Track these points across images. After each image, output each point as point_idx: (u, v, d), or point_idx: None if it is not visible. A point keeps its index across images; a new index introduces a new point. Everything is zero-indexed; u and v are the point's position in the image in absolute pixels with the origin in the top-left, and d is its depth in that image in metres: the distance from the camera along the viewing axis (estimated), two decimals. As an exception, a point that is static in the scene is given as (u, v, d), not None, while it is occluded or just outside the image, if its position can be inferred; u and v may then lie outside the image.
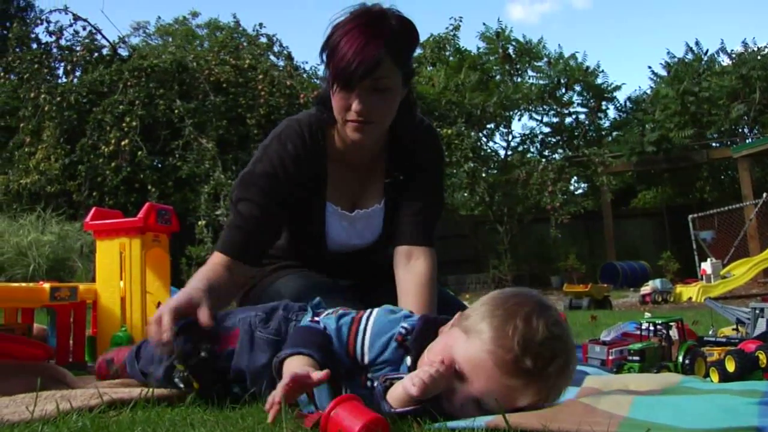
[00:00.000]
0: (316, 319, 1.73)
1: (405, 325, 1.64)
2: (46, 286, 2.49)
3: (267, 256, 2.34)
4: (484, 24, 17.55)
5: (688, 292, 9.16)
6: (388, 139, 2.37)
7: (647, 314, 3.41)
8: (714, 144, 17.41)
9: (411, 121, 2.40)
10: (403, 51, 2.18)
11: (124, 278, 2.73)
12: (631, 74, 59.66)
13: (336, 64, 2.10)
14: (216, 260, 2.19)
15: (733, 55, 17.35)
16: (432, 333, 1.63)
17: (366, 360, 1.62)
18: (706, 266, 10.14)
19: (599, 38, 56.61)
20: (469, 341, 1.51)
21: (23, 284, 2.82)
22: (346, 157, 2.34)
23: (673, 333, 2.39)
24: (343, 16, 2.15)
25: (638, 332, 2.56)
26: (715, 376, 2.09)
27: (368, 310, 1.72)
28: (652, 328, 2.43)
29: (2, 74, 13.99)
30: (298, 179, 2.26)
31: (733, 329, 2.86)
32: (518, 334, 1.46)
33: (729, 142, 16.85)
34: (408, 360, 1.61)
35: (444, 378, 1.47)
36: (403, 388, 1.46)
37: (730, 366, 2.02)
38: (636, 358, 2.24)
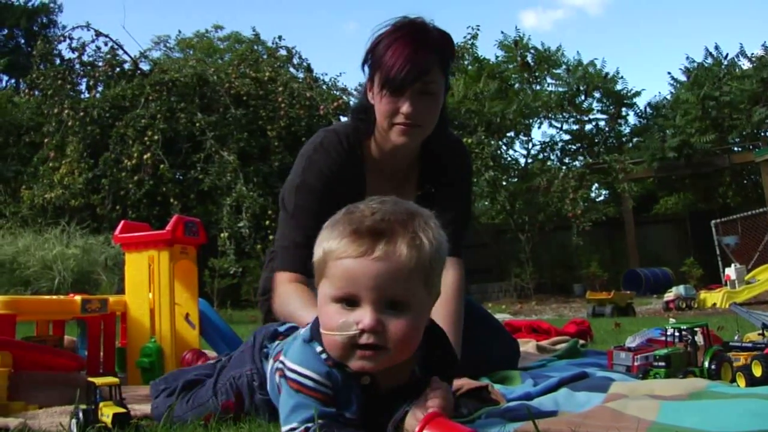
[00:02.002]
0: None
1: (318, 348, 1.49)
2: (78, 298, 2.52)
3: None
4: (502, 32, 17.52)
5: (713, 298, 9.08)
6: (420, 153, 2.42)
7: (672, 320, 3.40)
8: (736, 148, 17.24)
9: (444, 135, 2.46)
10: (446, 58, 2.28)
11: (152, 290, 2.76)
12: (650, 80, 59.50)
13: (385, 71, 2.18)
14: (293, 279, 2.25)
15: (754, 59, 17.21)
16: None
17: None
18: (731, 272, 10.03)
19: (615, 45, 56.44)
20: (329, 275, 1.43)
21: (54, 297, 2.86)
22: (381, 167, 2.40)
23: (699, 338, 2.38)
24: (385, 28, 2.24)
25: (663, 338, 2.55)
26: (741, 381, 2.09)
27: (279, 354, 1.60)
28: (677, 333, 2.43)
29: (27, 91, 14.23)
30: (342, 186, 2.30)
31: (759, 334, 2.84)
32: (345, 217, 1.45)
33: (751, 146, 16.68)
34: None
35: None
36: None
37: (757, 370, 2.01)
38: (662, 363, 2.24)
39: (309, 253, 2.31)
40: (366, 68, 2.31)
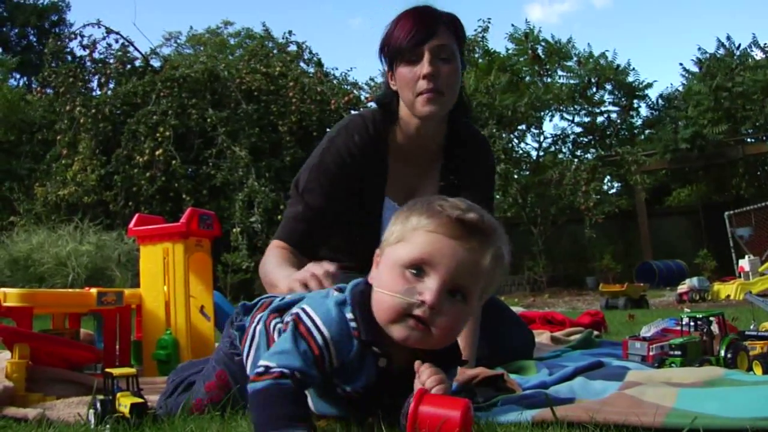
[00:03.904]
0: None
1: (349, 315, 1.47)
2: (93, 291, 2.53)
3: (319, 256, 2.38)
4: (512, 25, 17.44)
5: (726, 289, 9.03)
6: (444, 143, 2.45)
7: (687, 310, 3.38)
8: (749, 139, 17.13)
9: (466, 122, 2.54)
10: (456, 30, 2.34)
11: (167, 282, 2.77)
12: (662, 72, 59.00)
13: (396, 43, 2.27)
14: (280, 245, 2.31)
15: (766, 49, 17.08)
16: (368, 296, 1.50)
17: (335, 364, 1.46)
18: (744, 263, 9.97)
19: (624, 37, 56.31)
20: (411, 240, 1.44)
21: (70, 290, 2.87)
22: (405, 155, 2.43)
23: (714, 328, 2.37)
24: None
25: (678, 328, 2.54)
26: (758, 369, 2.08)
27: (297, 304, 1.55)
28: (692, 323, 2.42)
29: (39, 89, 14.27)
30: (363, 170, 2.36)
31: (775, 323, 2.84)
32: (447, 204, 1.45)
33: (765, 137, 16.58)
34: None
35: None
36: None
37: (774, 358, 2.01)
38: (677, 352, 2.24)
39: (308, 229, 2.36)
40: (383, 57, 2.38)
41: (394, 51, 2.30)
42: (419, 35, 2.23)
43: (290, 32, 15.06)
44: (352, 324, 1.44)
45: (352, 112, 12.27)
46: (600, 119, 18.12)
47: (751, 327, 2.85)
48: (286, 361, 1.38)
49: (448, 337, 1.45)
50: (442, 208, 1.43)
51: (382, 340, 1.44)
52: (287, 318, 1.54)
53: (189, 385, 1.88)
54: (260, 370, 1.37)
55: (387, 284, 1.42)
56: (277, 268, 2.18)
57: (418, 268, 1.40)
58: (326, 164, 2.36)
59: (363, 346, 1.44)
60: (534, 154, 17.36)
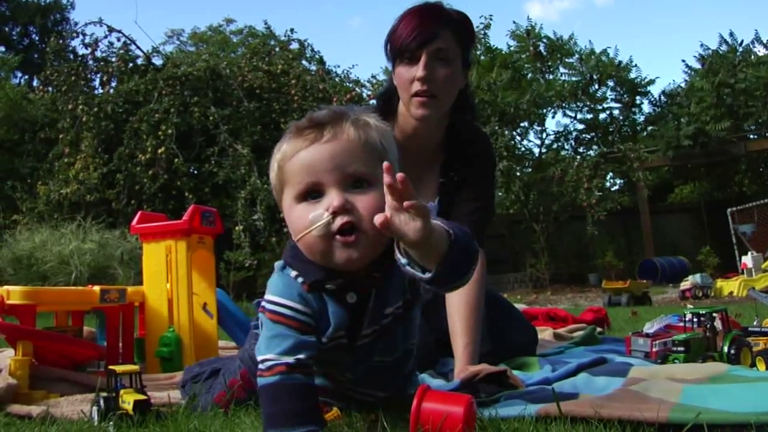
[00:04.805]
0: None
1: (292, 273, 1.48)
2: (96, 288, 2.54)
3: None
4: (514, 22, 17.43)
5: (729, 286, 9.01)
6: (445, 141, 2.44)
7: (690, 306, 3.38)
8: (752, 136, 17.09)
9: (468, 122, 2.52)
10: (461, 32, 2.33)
11: (170, 280, 2.77)
12: (664, 68, 59.03)
13: (396, 41, 2.27)
14: None
15: (769, 45, 17.05)
16: None
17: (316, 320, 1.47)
18: (747, 260, 9.97)
19: (626, 34, 55.97)
20: (287, 178, 1.45)
21: (73, 287, 2.88)
22: (403, 152, 2.42)
23: (717, 324, 2.37)
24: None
25: (682, 324, 2.54)
26: (761, 365, 2.08)
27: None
28: (695, 319, 2.42)
29: (41, 87, 14.28)
30: None
31: (779, 319, 2.83)
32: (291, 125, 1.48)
33: (767, 134, 16.55)
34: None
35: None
36: None
37: (777, 354, 2.01)
38: (681, 348, 2.24)
39: None
40: (386, 52, 2.37)
41: (394, 50, 2.30)
42: (420, 37, 2.22)
43: (292, 30, 15.07)
44: (299, 279, 1.45)
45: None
46: (602, 116, 18.10)
47: (754, 323, 2.84)
48: (280, 346, 1.39)
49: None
50: (287, 132, 1.47)
51: (334, 277, 1.44)
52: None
53: (214, 372, 1.90)
54: (267, 364, 1.39)
55: (297, 226, 1.42)
56: None
57: (311, 194, 1.41)
58: None
59: (319, 293, 1.45)
60: (536, 151, 17.35)
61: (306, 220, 1.39)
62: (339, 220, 1.37)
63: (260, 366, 1.40)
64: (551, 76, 16.93)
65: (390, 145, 1.50)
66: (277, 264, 1.52)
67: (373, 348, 1.53)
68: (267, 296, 1.47)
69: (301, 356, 1.38)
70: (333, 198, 1.37)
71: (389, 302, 1.50)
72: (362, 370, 1.57)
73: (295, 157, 1.41)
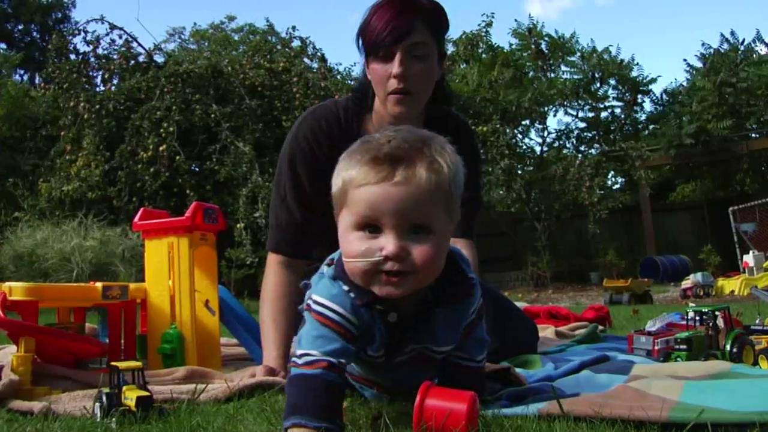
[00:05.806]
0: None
1: (345, 287, 1.48)
2: (99, 285, 2.54)
3: (313, 257, 2.38)
4: (515, 20, 17.45)
5: (731, 285, 9.01)
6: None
7: (691, 304, 3.38)
8: (754, 135, 17.09)
9: (447, 112, 2.48)
10: (434, 23, 2.28)
11: (172, 277, 2.77)
12: (666, 67, 59.01)
13: (369, 36, 2.22)
14: (275, 260, 2.48)
15: (771, 44, 17.03)
16: None
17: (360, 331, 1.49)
18: (749, 259, 9.97)
19: (627, 33, 56.19)
20: (347, 204, 1.44)
21: (75, 284, 2.88)
22: None
23: (719, 322, 2.37)
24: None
25: (684, 322, 2.54)
26: (764, 364, 2.08)
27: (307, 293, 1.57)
28: (697, 317, 2.42)
29: (43, 85, 14.29)
30: (335, 153, 2.32)
31: (781, 317, 2.83)
32: (362, 147, 1.45)
33: (769, 133, 16.56)
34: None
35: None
36: None
37: (780, 352, 2.01)
38: (683, 346, 2.23)
39: (294, 237, 2.42)
40: (358, 46, 2.32)
41: (368, 44, 2.25)
42: (394, 32, 2.17)
43: (293, 27, 15.07)
44: (351, 294, 1.46)
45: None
46: (604, 114, 18.11)
47: (756, 321, 2.84)
48: (325, 347, 1.40)
49: (433, 271, 1.43)
50: (359, 152, 1.43)
51: (381, 301, 1.45)
52: (301, 307, 1.56)
53: None
54: (309, 359, 1.39)
55: (348, 251, 1.42)
56: (266, 329, 2.34)
57: (369, 227, 1.40)
58: (293, 152, 2.40)
59: (368, 309, 1.46)
60: (538, 149, 17.37)
61: (358, 249, 1.40)
62: (390, 265, 1.38)
63: (298, 360, 1.40)
64: (553, 75, 16.92)
65: (460, 181, 1.50)
66: (326, 270, 1.52)
67: (410, 363, 1.56)
68: (316, 297, 1.47)
69: (342, 360, 1.40)
70: (389, 242, 1.37)
71: (439, 342, 1.54)
72: (398, 377, 1.61)
73: (361, 189, 1.39)
